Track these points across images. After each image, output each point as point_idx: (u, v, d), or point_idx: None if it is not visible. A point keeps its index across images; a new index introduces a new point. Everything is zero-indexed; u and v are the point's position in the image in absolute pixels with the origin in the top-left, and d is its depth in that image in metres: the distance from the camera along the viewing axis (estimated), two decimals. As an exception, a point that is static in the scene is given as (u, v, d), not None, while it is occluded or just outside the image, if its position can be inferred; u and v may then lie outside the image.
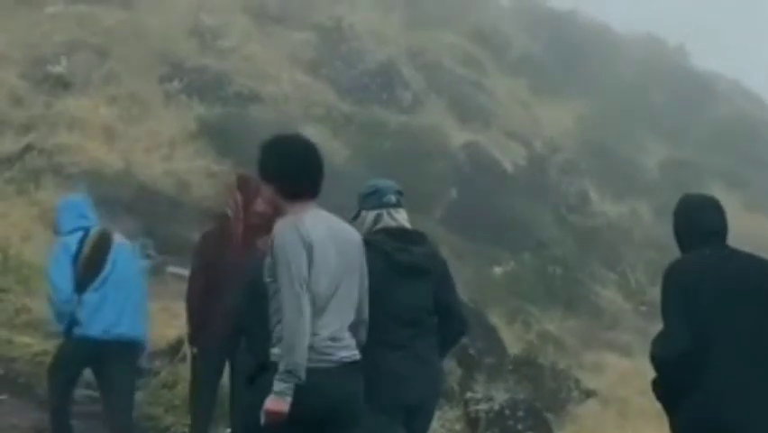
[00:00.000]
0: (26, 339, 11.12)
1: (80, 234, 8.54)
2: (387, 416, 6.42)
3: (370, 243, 6.20)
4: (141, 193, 17.12)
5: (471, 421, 11.42)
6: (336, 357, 5.55)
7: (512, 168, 24.50)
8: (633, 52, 39.70)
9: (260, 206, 7.46)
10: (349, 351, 5.65)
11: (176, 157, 18.91)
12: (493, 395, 11.30)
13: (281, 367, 5.34)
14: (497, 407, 11.17)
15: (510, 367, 12.86)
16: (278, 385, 5.32)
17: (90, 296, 8.36)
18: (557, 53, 34.51)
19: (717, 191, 25.80)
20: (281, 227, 5.53)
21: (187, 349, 9.74)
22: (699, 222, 6.13)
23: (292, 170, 5.71)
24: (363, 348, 5.86)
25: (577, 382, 13.72)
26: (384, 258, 6.43)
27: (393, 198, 6.76)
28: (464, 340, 10.98)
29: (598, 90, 33.10)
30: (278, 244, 5.48)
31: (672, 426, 5.97)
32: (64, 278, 8.39)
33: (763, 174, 32.40)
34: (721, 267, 5.97)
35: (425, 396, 6.76)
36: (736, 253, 6.11)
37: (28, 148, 17.14)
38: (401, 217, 6.75)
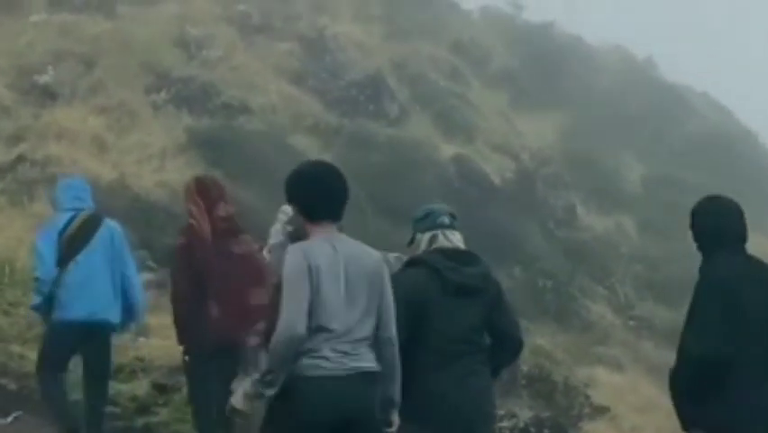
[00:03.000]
0: (35, 353, 10.91)
1: (71, 213, 8.87)
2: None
3: (424, 260, 6.51)
4: (136, 204, 16.92)
5: (496, 439, 11.32)
6: (347, 366, 5.67)
7: (500, 181, 24.46)
8: (607, 64, 39.88)
9: (222, 210, 8.27)
10: (362, 362, 5.76)
11: (167, 168, 18.73)
12: (517, 412, 11.21)
13: (260, 376, 5.66)
14: (521, 424, 11.08)
15: (524, 382, 12.79)
16: (249, 388, 5.85)
17: (71, 276, 8.68)
18: (534, 66, 34.57)
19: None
20: (291, 250, 5.77)
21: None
22: (727, 227, 6.29)
23: (311, 195, 5.93)
24: (411, 368, 6.02)
25: (587, 397, 13.66)
26: (435, 276, 6.51)
27: (447, 220, 6.80)
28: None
29: (576, 103, 33.19)
30: (285, 265, 5.73)
31: (685, 424, 6.13)
32: (49, 249, 8.70)
33: (740, 187, 32.49)
34: (754, 276, 6.16)
35: (473, 418, 6.66)
36: (760, 263, 6.30)
37: (20, 159, 16.93)
38: (455, 239, 6.77)
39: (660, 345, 21.01)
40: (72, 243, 8.73)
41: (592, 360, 19.46)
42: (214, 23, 25.17)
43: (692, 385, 6.02)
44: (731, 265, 6.16)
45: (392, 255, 14.91)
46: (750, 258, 6.30)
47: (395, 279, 6.19)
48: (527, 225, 23.31)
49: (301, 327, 5.55)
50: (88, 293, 8.70)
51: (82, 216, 8.89)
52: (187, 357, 8.60)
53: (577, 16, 45.84)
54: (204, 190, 8.49)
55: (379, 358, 5.91)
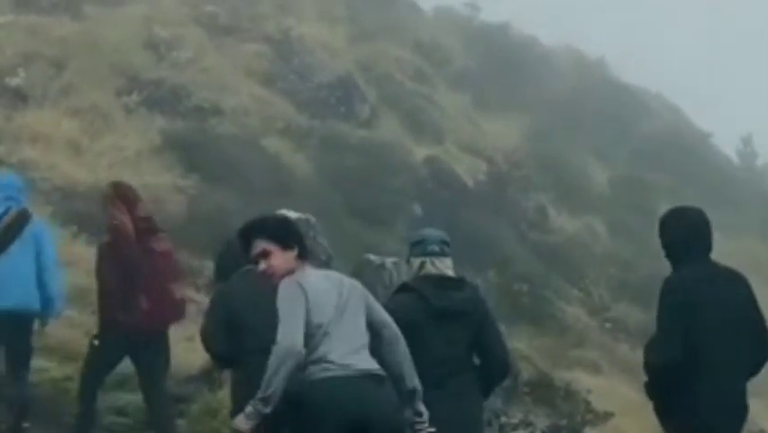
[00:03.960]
0: (41, 362, 10.71)
1: (1, 210, 9.23)
2: None
3: (411, 287, 6.99)
4: (116, 211, 16.64)
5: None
6: (354, 368, 5.97)
7: (472, 183, 24.44)
8: (561, 65, 40.01)
9: (141, 211, 8.91)
10: (368, 365, 6.07)
11: (143, 171, 18.46)
12: (533, 420, 11.14)
13: (258, 393, 5.84)
14: (538, 432, 11.00)
15: (526, 390, 12.73)
16: (248, 408, 5.87)
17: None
18: (493, 67, 34.60)
19: (665, 207, 26.01)
20: (284, 280, 6.20)
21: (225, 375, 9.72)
22: (695, 239, 6.55)
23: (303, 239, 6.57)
24: None
25: (588, 403, 13.59)
26: (421, 302, 6.90)
27: (437, 248, 7.13)
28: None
29: (535, 104, 33.24)
30: (280, 290, 6.13)
31: (664, 425, 6.48)
32: None
33: (702, 188, 32.75)
34: (719, 282, 6.46)
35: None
36: (725, 271, 6.58)
37: (-4, 163, 16.62)
38: (443, 266, 7.13)
39: (635, 346, 21.05)
40: (2, 239, 9.11)
41: (571, 363, 19.47)
42: (183, 24, 24.92)
43: (656, 392, 6.43)
44: (694, 274, 6.43)
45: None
46: (716, 265, 6.56)
47: (385, 305, 6.60)
48: (500, 228, 23.33)
49: (299, 341, 5.88)
50: (12, 284, 9.03)
51: (11, 213, 9.23)
52: (96, 342, 9.03)
53: (529, 16, 45.90)
54: (122, 194, 9.01)
55: (392, 354, 6.26)
